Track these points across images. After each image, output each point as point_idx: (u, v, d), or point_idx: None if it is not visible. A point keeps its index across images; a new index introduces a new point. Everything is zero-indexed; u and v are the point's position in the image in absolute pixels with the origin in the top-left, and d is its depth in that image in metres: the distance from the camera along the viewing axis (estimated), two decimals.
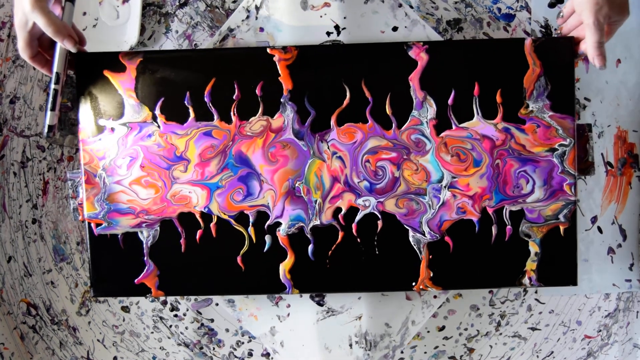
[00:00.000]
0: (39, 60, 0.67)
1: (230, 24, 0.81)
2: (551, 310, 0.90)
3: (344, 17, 0.79)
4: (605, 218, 0.89)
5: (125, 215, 0.73)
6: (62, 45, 0.65)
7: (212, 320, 0.90)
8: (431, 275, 0.74)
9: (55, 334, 0.93)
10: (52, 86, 0.65)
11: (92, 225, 0.73)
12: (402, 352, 0.89)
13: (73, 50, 0.66)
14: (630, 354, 0.91)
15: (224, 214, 0.73)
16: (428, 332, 0.90)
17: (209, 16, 0.85)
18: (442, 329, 0.90)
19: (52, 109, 0.65)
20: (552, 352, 0.92)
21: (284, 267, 0.74)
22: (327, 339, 0.82)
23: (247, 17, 0.81)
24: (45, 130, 0.66)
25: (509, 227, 0.73)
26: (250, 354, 0.90)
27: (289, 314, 0.83)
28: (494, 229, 0.73)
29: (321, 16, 0.80)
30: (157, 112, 0.72)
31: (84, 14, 0.86)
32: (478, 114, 0.72)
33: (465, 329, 0.90)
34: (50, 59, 0.68)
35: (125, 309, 0.91)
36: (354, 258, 0.74)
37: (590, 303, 0.91)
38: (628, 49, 0.87)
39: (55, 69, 0.66)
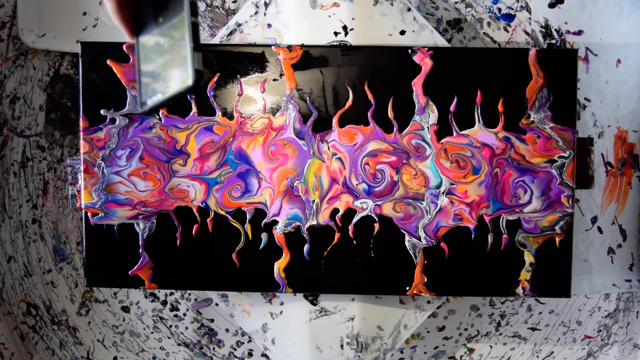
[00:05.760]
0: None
1: (238, 19, 0.81)
2: (551, 311, 0.90)
3: (352, 18, 0.79)
4: (605, 218, 0.88)
5: (122, 206, 0.73)
6: None
7: (212, 321, 0.90)
8: (425, 280, 0.74)
9: (55, 334, 0.93)
10: (191, 19, 0.42)
11: (89, 214, 0.73)
12: (401, 352, 0.89)
13: None
14: (630, 354, 0.90)
15: (221, 209, 0.73)
16: (428, 332, 0.89)
17: (209, 16, 0.85)
18: (442, 329, 0.90)
19: (197, 49, 0.42)
20: (552, 352, 0.91)
21: (279, 266, 0.74)
22: (319, 339, 0.82)
23: (256, 12, 0.81)
24: (193, 79, 0.42)
25: (505, 236, 0.73)
26: (250, 354, 0.90)
27: (281, 312, 0.83)
28: (490, 238, 0.73)
29: (330, 16, 0.79)
30: None
31: (84, 14, 0.86)
32: (479, 121, 0.72)
33: (465, 329, 0.90)
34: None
35: (126, 309, 0.91)
36: (349, 260, 0.74)
37: (590, 303, 0.91)
38: (628, 49, 0.86)
39: None
